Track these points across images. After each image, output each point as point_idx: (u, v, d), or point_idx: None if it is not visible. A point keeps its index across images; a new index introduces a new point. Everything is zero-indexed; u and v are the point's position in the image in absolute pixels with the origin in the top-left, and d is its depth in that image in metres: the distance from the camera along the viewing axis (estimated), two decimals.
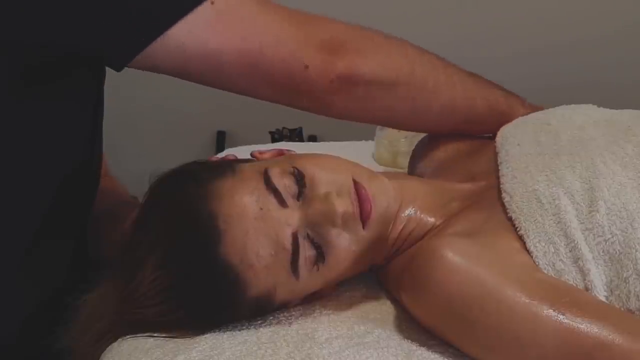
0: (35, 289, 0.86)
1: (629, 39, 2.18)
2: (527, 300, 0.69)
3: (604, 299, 0.74)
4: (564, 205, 0.76)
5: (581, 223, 0.75)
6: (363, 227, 0.79)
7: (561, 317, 0.68)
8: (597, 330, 0.67)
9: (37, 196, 0.83)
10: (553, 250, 0.75)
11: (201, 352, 0.73)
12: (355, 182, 0.80)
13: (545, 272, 0.74)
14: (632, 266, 0.73)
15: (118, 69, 0.83)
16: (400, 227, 0.85)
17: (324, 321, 0.80)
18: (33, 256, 0.84)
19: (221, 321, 0.78)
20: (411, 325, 0.78)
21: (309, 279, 0.78)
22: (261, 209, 0.75)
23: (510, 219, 0.79)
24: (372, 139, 1.45)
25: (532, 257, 0.75)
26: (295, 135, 2.41)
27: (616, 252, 0.74)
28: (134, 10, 0.78)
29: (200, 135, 2.48)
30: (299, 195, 0.78)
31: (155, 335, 0.76)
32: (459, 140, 1.02)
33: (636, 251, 0.73)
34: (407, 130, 1.13)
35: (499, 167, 0.86)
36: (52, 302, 0.81)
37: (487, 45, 2.10)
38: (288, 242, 0.75)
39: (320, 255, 0.78)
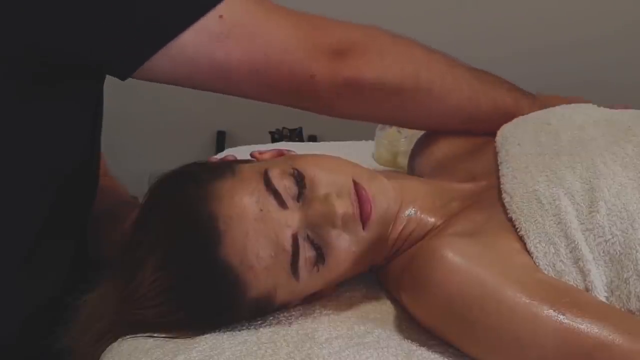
0: (36, 289, 0.86)
1: (629, 38, 2.18)
2: (527, 301, 0.69)
3: (604, 300, 0.74)
4: (565, 205, 0.76)
5: (581, 224, 0.75)
6: (363, 228, 0.79)
7: (561, 317, 0.68)
8: (597, 331, 0.67)
9: (38, 196, 0.83)
10: (553, 251, 0.75)
11: (201, 352, 0.73)
12: (355, 183, 0.80)
13: (546, 272, 0.74)
14: (632, 267, 0.73)
15: (122, 78, 0.83)
16: (401, 227, 0.85)
17: (324, 321, 0.80)
18: (34, 256, 0.84)
19: (221, 322, 0.78)
20: (411, 325, 0.78)
21: (309, 280, 0.78)
22: (261, 210, 0.75)
23: (510, 220, 0.78)
24: (372, 139, 1.45)
25: (532, 257, 0.75)
26: (295, 135, 2.41)
27: (616, 253, 0.74)
28: (139, 21, 0.79)
29: (200, 135, 2.48)
30: (299, 196, 0.78)
31: (155, 335, 0.76)
32: (459, 139, 1.02)
33: (636, 252, 0.73)
34: (411, 128, 1.14)
35: (499, 167, 0.86)
36: (53, 302, 0.81)
37: (487, 45, 2.10)
38: (288, 244, 0.75)
39: (320, 257, 0.78)
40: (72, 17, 0.77)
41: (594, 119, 0.90)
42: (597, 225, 0.74)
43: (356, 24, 0.93)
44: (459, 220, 0.82)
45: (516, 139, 0.90)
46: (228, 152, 1.36)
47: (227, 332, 0.78)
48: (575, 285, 0.74)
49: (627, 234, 0.74)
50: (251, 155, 0.89)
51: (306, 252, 0.77)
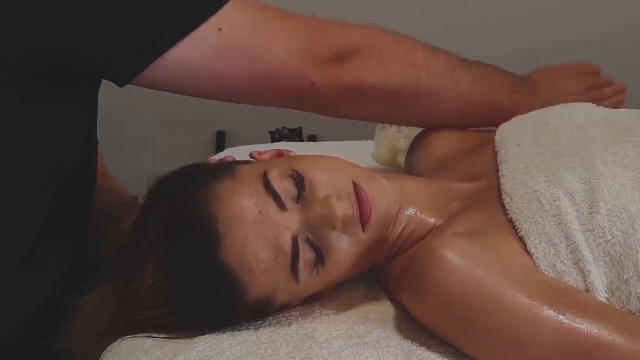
0: (36, 289, 0.85)
1: (629, 39, 2.18)
2: (527, 301, 0.69)
3: (604, 301, 0.74)
4: (565, 206, 0.76)
5: (582, 224, 0.75)
6: (363, 230, 0.79)
7: (561, 317, 0.68)
8: (597, 331, 0.67)
9: (38, 196, 0.83)
10: (554, 252, 0.75)
11: (201, 352, 0.73)
12: (355, 185, 0.79)
13: (546, 273, 0.74)
14: (633, 268, 0.73)
15: (121, 85, 0.83)
16: (401, 228, 0.85)
17: (324, 321, 0.80)
18: (34, 256, 0.84)
19: (221, 324, 0.78)
20: (411, 326, 0.78)
21: (309, 282, 0.78)
22: (261, 212, 0.75)
23: (510, 220, 0.78)
24: (372, 139, 1.45)
25: (532, 258, 0.75)
26: (295, 135, 2.41)
27: (617, 254, 0.73)
28: (138, 29, 0.79)
29: (200, 135, 2.48)
30: (299, 198, 0.77)
31: (155, 336, 0.76)
32: (458, 135, 1.02)
33: (637, 253, 0.73)
34: (410, 126, 1.15)
35: (499, 167, 0.86)
36: (53, 302, 0.81)
37: (487, 46, 2.10)
38: (288, 246, 0.75)
39: (320, 259, 0.77)
40: (74, 19, 0.77)
41: (594, 119, 0.90)
42: (598, 226, 0.74)
43: (357, 26, 0.93)
44: (459, 220, 0.82)
45: (516, 139, 0.90)
46: (228, 153, 1.36)
47: (227, 332, 0.78)
48: (575, 286, 0.74)
49: (627, 235, 0.74)
50: (250, 155, 0.89)
51: (306, 255, 0.77)
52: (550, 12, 2.18)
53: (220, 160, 0.91)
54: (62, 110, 0.83)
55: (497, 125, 0.95)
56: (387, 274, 0.87)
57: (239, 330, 0.78)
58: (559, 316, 0.68)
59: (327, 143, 1.68)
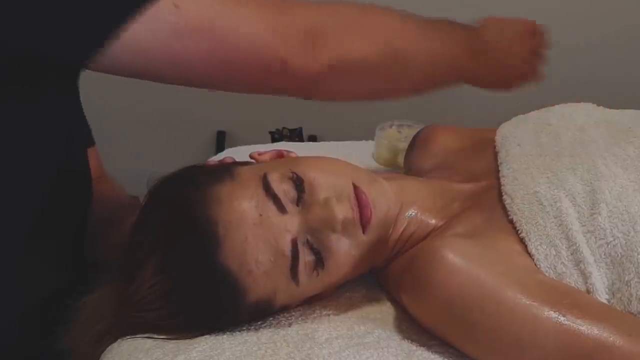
0: (25, 292, 0.85)
1: (629, 40, 2.18)
2: (527, 302, 0.69)
3: (605, 302, 0.74)
4: (565, 207, 0.76)
5: (583, 225, 0.75)
6: (363, 232, 0.79)
7: (562, 318, 0.68)
8: (597, 332, 0.67)
9: (22, 197, 0.82)
10: (554, 253, 0.75)
11: (201, 352, 0.73)
12: (355, 187, 0.79)
13: (547, 275, 0.74)
14: (634, 269, 0.73)
15: (77, 69, 0.80)
16: (401, 229, 0.85)
17: (324, 321, 0.80)
18: (23, 257, 0.84)
19: (221, 325, 0.78)
20: (411, 326, 0.78)
21: (309, 284, 0.78)
22: (260, 215, 0.75)
23: (511, 221, 0.78)
24: (372, 139, 1.45)
25: (533, 259, 0.75)
26: (295, 135, 2.41)
27: (618, 255, 0.73)
28: (88, 9, 0.76)
29: (200, 135, 2.48)
30: (298, 200, 0.77)
31: (155, 336, 0.76)
32: (458, 135, 1.02)
33: (638, 254, 0.73)
34: (386, 98, 1.07)
35: (499, 168, 0.86)
36: (49, 302, 0.81)
37: None
38: (287, 249, 0.75)
39: (320, 261, 0.77)
40: (19, 9, 0.74)
41: (594, 120, 0.90)
42: (599, 227, 0.74)
43: (322, 4, 0.89)
44: (459, 221, 0.82)
45: (516, 139, 0.90)
46: (228, 153, 1.36)
47: (227, 333, 0.78)
48: (576, 288, 0.74)
49: (628, 236, 0.74)
50: (250, 156, 0.89)
51: (305, 257, 0.76)
52: (550, 13, 2.18)
53: (220, 161, 0.91)
54: (36, 110, 0.81)
55: (449, 83, 0.96)
56: (387, 275, 0.87)
57: (239, 331, 0.78)
58: (559, 317, 0.68)
59: (327, 143, 1.68)
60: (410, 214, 0.85)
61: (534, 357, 0.69)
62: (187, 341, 0.76)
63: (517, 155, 0.86)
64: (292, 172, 0.78)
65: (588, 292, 0.74)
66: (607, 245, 0.74)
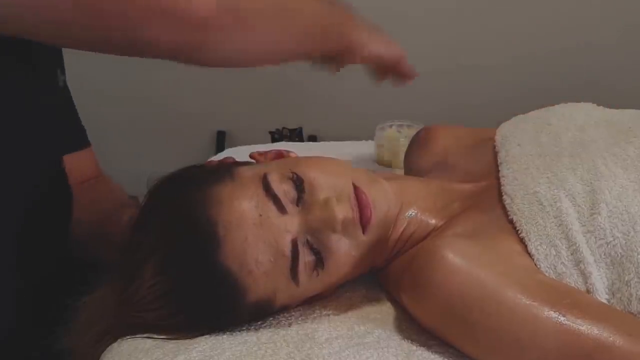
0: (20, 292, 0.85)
1: (628, 43, 2.19)
2: (527, 302, 0.69)
3: (605, 302, 0.74)
4: (565, 207, 0.76)
5: (582, 225, 0.75)
6: (363, 232, 0.79)
7: (562, 318, 0.68)
8: (597, 332, 0.67)
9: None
10: (554, 253, 0.75)
11: (201, 352, 0.73)
12: (355, 187, 0.79)
13: (547, 274, 0.74)
14: (633, 269, 0.73)
15: None
16: (401, 229, 0.85)
17: (324, 321, 0.80)
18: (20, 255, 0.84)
19: (221, 325, 0.78)
20: (411, 326, 0.78)
21: (309, 284, 0.78)
22: (260, 215, 0.75)
23: (511, 221, 0.78)
24: (372, 139, 1.45)
25: (533, 259, 0.75)
26: (295, 135, 2.41)
27: (618, 255, 0.73)
28: None
29: (200, 135, 2.48)
30: (298, 201, 0.77)
31: (155, 337, 0.76)
32: (457, 135, 1.02)
33: (638, 254, 0.73)
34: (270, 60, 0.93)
35: (499, 168, 0.86)
36: (42, 302, 0.81)
37: (488, 50, 2.11)
38: (287, 249, 0.75)
39: (320, 261, 0.77)
40: None
41: (594, 120, 0.90)
42: (599, 227, 0.74)
43: None
44: (459, 221, 0.82)
45: (516, 139, 0.90)
46: (228, 153, 1.36)
47: (227, 333, 0.78)
48: (576, 287, 0.74)
49: (628, 236, 0.74)
50: (250, 156, 0.89)
51: (305, 257, 0.77)
52: (550, 16, 2.19)
53: (220, 161, 0.91)
54: None
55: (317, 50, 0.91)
56: (387, 275, 0.87)
57: (239, 331, 0.78)
58: (559, 317, 0.68)
59: (327, 143, 1.68)
60: (410, 214, 0.85)
61: (534, 357, 0.69)
62: (187, 341, 0.75)
63: (517, 155, 0.86)
64: (292, 172, 0.78)
65: (588, 292, 0.74)
66: (607, 245, 0.74)
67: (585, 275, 0.74)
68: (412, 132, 1.25)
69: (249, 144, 1.47)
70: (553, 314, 0.68)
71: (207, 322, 0.78)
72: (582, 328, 0.68)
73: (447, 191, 0.89)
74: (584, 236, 0.75)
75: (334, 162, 0.84)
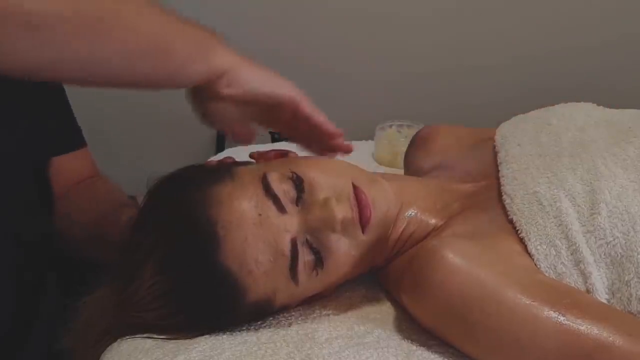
0: None
1: (628, 43, 2.19)
2: (527, 302, 0.69)
3: (605, 302, 0.74)
4: (565, 207, 0.76)
5: (582, 225, 0.75)
6: (362, 232, 0.79)
7: (562, 318, 0.68)
8: (597, 332, 0.67)
9: None
10: (554, 253, 0.75)
11: (201, 352, 0.73)
12: (355, 187, 0.79)
13: (547, 274, 0.74)
14: (633, 269, 0.73)
15: None
16: (401, 229, 0.85)
17: (323, 321, 0.80)
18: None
19: (221, 325, 0.78)
20: (411, 326, 0.78)
21: (308, 284, 0.78)
22: (260, 215, 0.75)
23: (510, 221, 0.78)
24: (372, 139, 1.46)
25: (533, 259, 0.75)
26: None
27: (618, 255, 0.74)
28: None
29: (200, 136, 2.48)
30: (298, 200, 0.77)
31: (155, 336, 0.76)
32: (457, 135, 1.02)
33: (638, 254, 0.73)
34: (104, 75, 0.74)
35: (499, 168, 0.86)
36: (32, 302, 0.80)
37: (488, 50, 2.10)
38: (287, 249, 0.75)
39: (319, 261, 0.77)
40: None
41: (594, 120, 0.90)
42: (598, 227, 0.74)
43: None
44: (459, 221, 0.82)
45: (516, 139, 0.90)
46: (228, 153, 1.36)
47: (227, 333, 0.78)
48: (576, 287, 0.74)
49: (628, 236, 0.74)
50: (250, 155, 0.89)
51: (305, 257, 0.77)
52: (550, 16, 2.18)
53: (220, 161, 0.91)
54: None
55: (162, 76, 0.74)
56: (387, 275, 0.87)
57: (239, 331, 0.78)
58: (559, 317, 0.68)
59: None
60: (410, 214, 0.85)
61: (534, 356, 0.69)
62: (187, 341, 0.76)
63: (516, 155, 0.86)
64: (292, 172, 0.78)
65: (588, 292, 0.74)
66: (607, 245, 0.74)
67: (585, 275, 0.74)
68: (412, 132, 1.25)
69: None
70: (553, 314, 0.68)
71: (207, 322, 0.78)
72: (582, 328, 0.68)
73: (447, 191, 0.89)
74: (584, 236, 0.75)
75: (333, 162, 0.84)
